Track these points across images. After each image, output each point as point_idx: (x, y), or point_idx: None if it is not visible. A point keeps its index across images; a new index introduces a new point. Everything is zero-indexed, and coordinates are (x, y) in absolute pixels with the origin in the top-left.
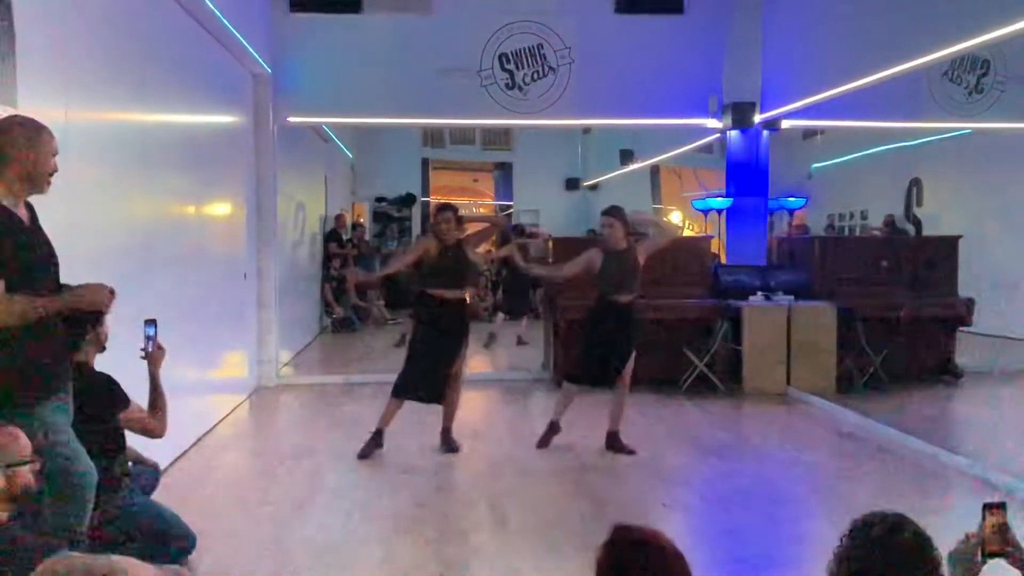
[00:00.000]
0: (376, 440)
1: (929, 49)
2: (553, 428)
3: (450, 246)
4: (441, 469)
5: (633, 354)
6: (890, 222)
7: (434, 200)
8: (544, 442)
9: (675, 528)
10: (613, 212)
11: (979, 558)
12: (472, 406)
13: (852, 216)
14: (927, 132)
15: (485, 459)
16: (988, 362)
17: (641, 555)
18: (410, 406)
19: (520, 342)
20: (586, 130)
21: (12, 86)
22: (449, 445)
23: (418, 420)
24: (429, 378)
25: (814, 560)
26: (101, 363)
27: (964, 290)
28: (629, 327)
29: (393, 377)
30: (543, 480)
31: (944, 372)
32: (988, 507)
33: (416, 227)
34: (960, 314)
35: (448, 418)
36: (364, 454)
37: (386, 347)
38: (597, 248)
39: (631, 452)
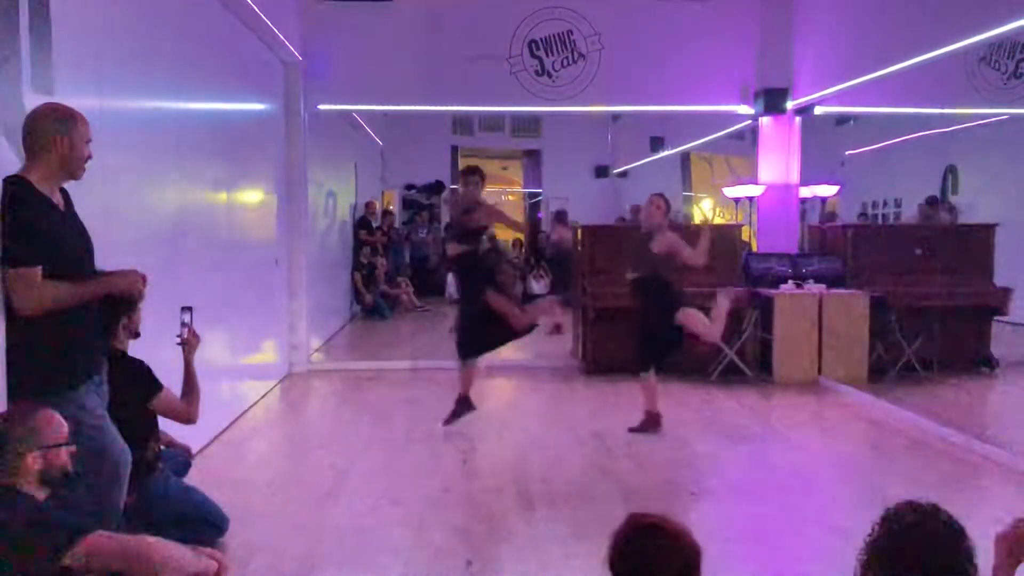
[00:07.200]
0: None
1: (966, 33)
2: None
3: None
4: (469, 455)
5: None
6: (925, 209)
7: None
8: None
9: (703, 516)
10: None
11: None
12: (500, 393)
13: (886, 204)
14: (963, 118)
15: (513, 445)
16: None
17: (648, 540)
18: (434, 390)
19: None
20: (616, 117)
21: (48, 74)
22: None
23: (446, 407)
24: None
25: (845, 549)
26: (135, 349)
27: (1001, 279)
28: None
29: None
30: (571, 466)
31: (979, 362)
32: None
33: (445, 215)
34: (996, 303)
35: None
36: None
37: (414, 333)
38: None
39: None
